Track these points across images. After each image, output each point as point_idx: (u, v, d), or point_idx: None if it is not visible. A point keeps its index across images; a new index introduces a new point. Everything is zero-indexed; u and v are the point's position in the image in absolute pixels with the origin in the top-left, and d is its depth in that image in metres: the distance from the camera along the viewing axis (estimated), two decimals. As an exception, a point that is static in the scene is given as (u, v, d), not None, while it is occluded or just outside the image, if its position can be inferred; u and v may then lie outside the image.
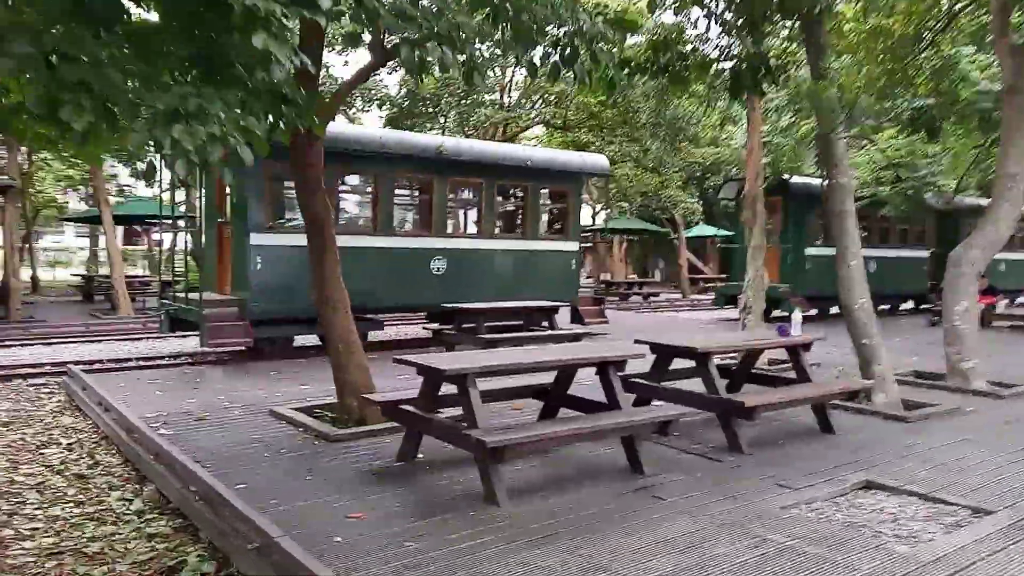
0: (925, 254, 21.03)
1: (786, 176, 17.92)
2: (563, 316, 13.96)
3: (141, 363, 11.24)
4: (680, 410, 5.86)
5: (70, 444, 7.23)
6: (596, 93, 21.22)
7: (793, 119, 13.50)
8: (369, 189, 12.57)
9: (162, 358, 11.77)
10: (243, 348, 11.05)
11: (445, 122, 22.16)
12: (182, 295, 11.68)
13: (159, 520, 5.20)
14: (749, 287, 11.60)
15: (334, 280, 7.26)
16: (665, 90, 12.18)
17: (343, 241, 12.10)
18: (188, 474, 5.31)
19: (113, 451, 6.89)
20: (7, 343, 13.43)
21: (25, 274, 28.73)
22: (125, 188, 28.62)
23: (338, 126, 12.72)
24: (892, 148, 16.30)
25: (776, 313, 19.59)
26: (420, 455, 6.01)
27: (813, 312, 17.96)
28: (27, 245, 28.82)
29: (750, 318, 11.50)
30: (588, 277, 26.97)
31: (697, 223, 29.65)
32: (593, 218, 36.21)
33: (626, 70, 8.55)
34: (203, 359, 11.39)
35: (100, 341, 13.83)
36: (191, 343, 13.15)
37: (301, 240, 10.44)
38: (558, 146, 22.01)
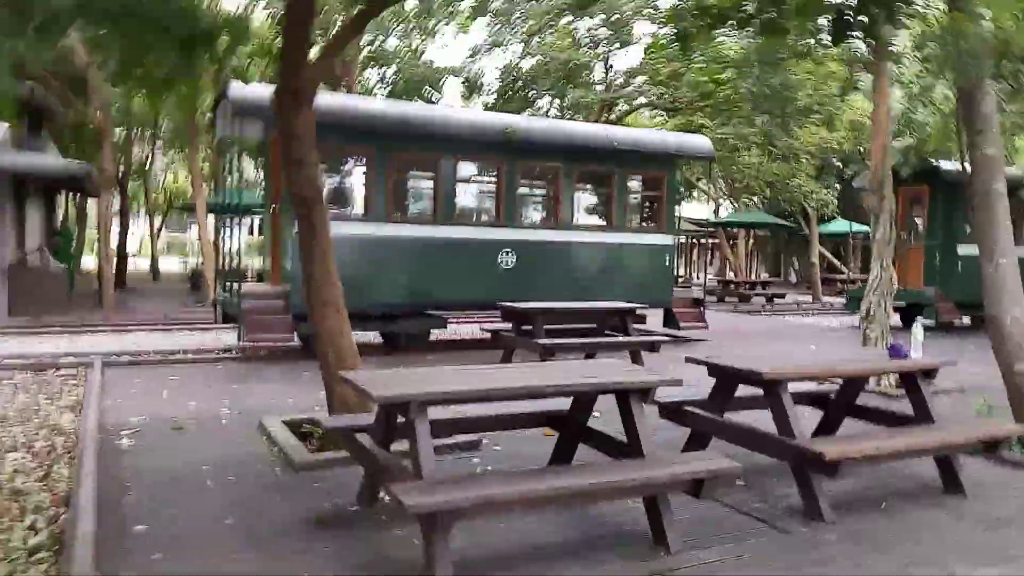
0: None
1: (934, 160, 15.24)
2: (653, 320, 12.26)
3: (184, 356, 10.60)
4: (726, 465, 4.15)
5: (45, 448, 6.45)
6: (709, 72, 19.19)
7: (924, 76, 11.03)
8: (430, 175, 11.42)
9: (210, 351, 11.11)
10: (286, 345, 10.16)
11: (548, 106, 20.79)
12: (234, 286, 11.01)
13: (40, 565, 4.16)
14: (872, 290, 9.52)
15: (325, 273, 6.07)
16: (762, 49, 10.21)
17: (404, 231, 11.36)
18: (73, 511, 4.26)
19: (73, 463, 6.02)
20: (74, 331, 13.31)
21: (145, 264, 30.08)
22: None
23: (397, 104, 11.67)
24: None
25: (921, 322, 16.92)
26: (384, 497, 4.68)
27: (966, 322, 15.28)
28: (149, 235, 30.15)
29: (873, 328, 9.43)
30: (710, 276, 24.76)
31: (832, 217, 26.67)
32: (716, 211, 33.76)
33: (705, 21, 6.85)
34: (254, 355, 10.60)
35: (168, 331, 13.48)
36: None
37: (349, 229, 9.25)
38: (672, 131, 20.10)
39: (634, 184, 12.80)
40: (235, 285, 10.61)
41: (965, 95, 6.22)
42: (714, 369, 5.29)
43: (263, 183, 11.96)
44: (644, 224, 13.19)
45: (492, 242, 11.41)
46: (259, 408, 7.15)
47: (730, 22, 7.09)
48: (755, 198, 26.13)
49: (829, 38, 6.68)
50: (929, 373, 5.35)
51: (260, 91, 9.82)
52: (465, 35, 20.53)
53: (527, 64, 19.37)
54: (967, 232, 15.67)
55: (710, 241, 35.82)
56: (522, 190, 11.82)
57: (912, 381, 5.29)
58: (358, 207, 11.25)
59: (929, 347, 6.03)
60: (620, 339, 9.42)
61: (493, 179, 11.68)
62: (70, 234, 20.80)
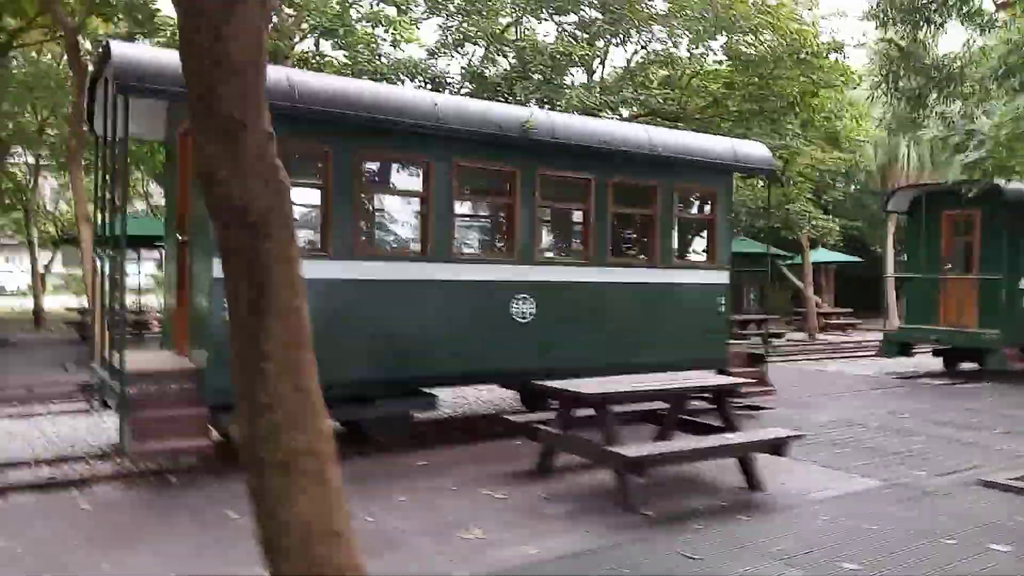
0: None
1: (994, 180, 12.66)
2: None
3: (28, 479, 6.75)
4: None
5: None
6: (720, 74, 16.45)
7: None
8: (416, 187, 7.98)
9: (77, 462, 7.24)
10: (196, 454, 6.43)
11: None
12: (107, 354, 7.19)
13: None
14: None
15: (293, 380, 2.56)
16: None
17: (377, 271, 7.92)
18: None
19: None
20: None
21: (26, 305, 25.27)
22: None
23: (363, 83, 8.20)
24: None
25: (968, 367, 14.33)
26: None
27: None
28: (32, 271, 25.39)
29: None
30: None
31: (823, 245, 24.34)
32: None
33: None
34: (145, 474, 6.80)
35: (27, 417, 9.44)
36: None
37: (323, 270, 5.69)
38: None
39: (681, 203, 9.62)
40: (116, 355, 6.82)
41: None
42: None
43: (165, 200, 8.32)
44: (693, 256, 10.00)
45: (502, 285, 8.01)
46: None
47: None
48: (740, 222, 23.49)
49: None
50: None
51: (163, 54, 6.24)
52: (409, 41, 17.15)
53: (501, 64, 16.11)
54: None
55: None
56: (542, 211, 8.46)
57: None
58: (308, 236, 7.67)
59: None
60: (734, 439, 6.10)
61: (504, 195, 8.31)
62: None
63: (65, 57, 20.05)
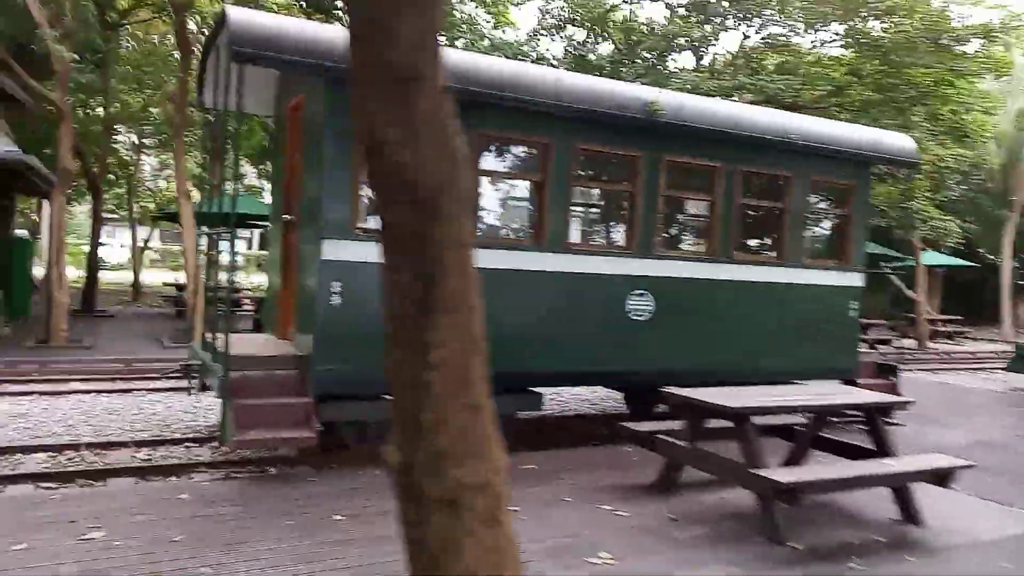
0: None
1: None
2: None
3: (123, 465, 6.58)
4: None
5: None
6: (842, 60, 15.30)
7: None
8: (529, 173, 7.44)
9: (176, 450, 7.04)
10: (301, 445, 6.09)
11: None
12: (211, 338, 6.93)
13: None
14: None
15: (458, 361, 2.05)
16: None
17: (481, 259, 7.23)
18: None
19: None
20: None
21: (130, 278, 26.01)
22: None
23: (473, 56, 7.67)
24: None
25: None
26: None
27: None
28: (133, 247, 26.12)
29: None
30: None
31: (937, 248, 22.70)
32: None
33: None
34: (243, 465, 6.53)
35: (125, 392, 9.40)
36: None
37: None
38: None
39: (813, 197, 8.79)
40: (219, 337, 6.55)
41: None
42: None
43: (272, 178, 7.99)
44: (825, 255, 9.16)
45: (619, 279, 7.41)
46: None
47: None
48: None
49: None
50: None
51: (279, 21, 5.89)
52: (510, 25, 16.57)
53: (605, 49, 15.41)
54: None
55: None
56: (664, 200, 7.79)
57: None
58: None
59: None
60: (894, 466, 5.35)
61: (625, 182, 7.69)
62: (25, 245, 16.77)
63: (171, 37, 20.38)
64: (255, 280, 26.60)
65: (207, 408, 8.49)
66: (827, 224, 9.48)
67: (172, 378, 10.14)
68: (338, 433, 6.41)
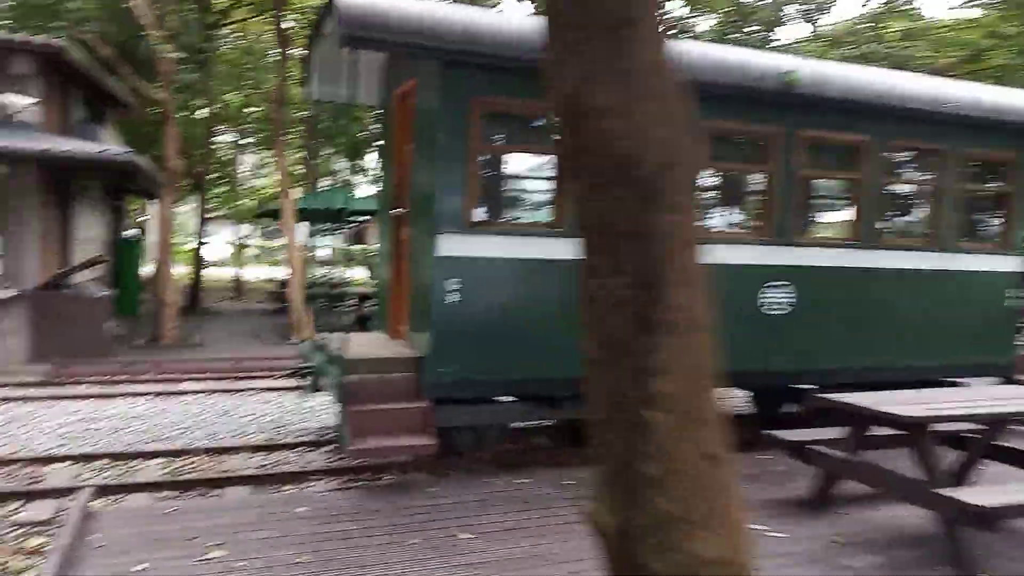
0: None
1: None
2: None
3: (239, 472, 6.39)
4: None
5: None
6: (982, 22, 13.93)
7: None
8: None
9: (289, 457, 6.83)
10: (420, 453, 5.73)
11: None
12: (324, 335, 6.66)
13: None
14: None
15: (688, 394, 1.56)
16: None
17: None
18: None
19: None
20: (101, 393, 9.37)
21: (231, 274, 26.67)
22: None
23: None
24: None
25: None
26: None
27: None
28: (235, 244, 26.76)
29: None
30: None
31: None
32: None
33: None
34: (359, 473, 6.25)
35: (234, 393, 9.34)
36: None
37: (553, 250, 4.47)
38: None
39: (967, 173, 7.86)
40: (330, 337, 6.26)
41: None
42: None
43: (379, 170, 7.67)
44: (979, 239, 8.21)
45: (752, 269, 6.75)
46: None
47: None
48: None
49: None
50: None
51: (388, 2, 5.52)
52: None
53: (706, 25, 14.53)
54: None
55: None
56: (803, 180, 7.07)
57: None
58: (534, 211, 6.80)
59: None
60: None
61: (758, 162, 7.01)
62: (134, 245, 17.26)
63: (269, 36, 20.61)
64: (352, 274, 26.82)
65: (318, 408, 8.30)
66: (982, 203, 8.49)
67: (275, 377, 10.12)
68: (450, 437, 6.04)
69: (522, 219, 6.83)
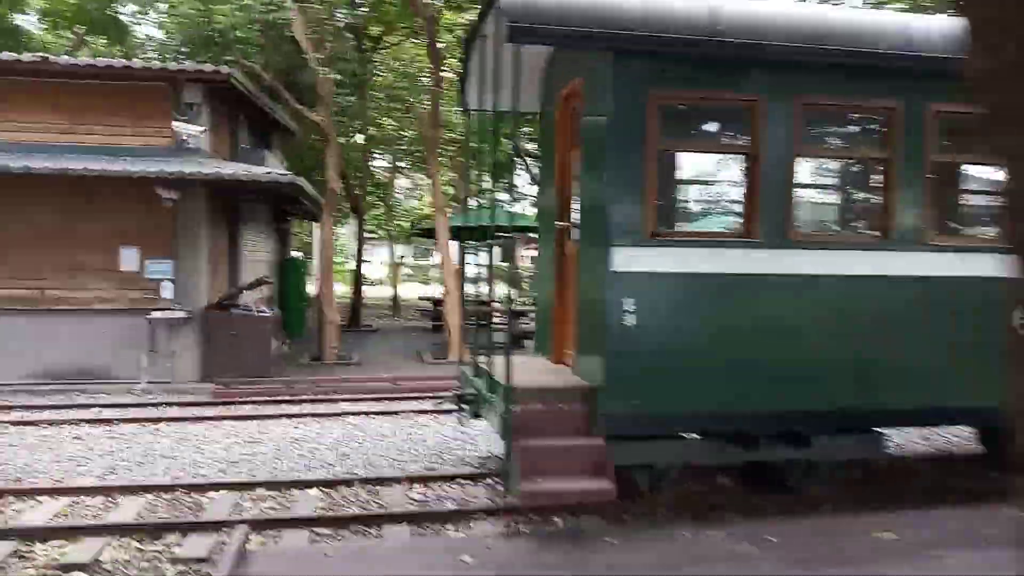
0: None
1: None
2: None
3: (401, 508, 5.95)
4: None
5: None
6: None
7: None
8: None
9: (449, 490, 6.34)
10: (596, 498, 5.04)
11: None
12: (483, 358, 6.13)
13: None
14: None
15: None
16: None
17: (796, 263, 5.08)
18: None
19: None
20: (264, 414, 9.39)
21: (387, 292, 27.29)
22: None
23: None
24: None
25: None
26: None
27: None
28: (390, 264, 27.37)
29: None
30: None
31: None
32: None
33: None
34: (527, 514, 5.65)
35: (393, 415, 9.06)
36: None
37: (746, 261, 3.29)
38: None
39: None
40: (490, 362, 5.70)
41: None
42: None
43: (540, 178, 7.11)
44: None
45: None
46: None
47: None
48: None
49: None
50: None
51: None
52: None
53: None
54: None
55: None
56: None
57: None
58: (722, 219, 5.97)
59: None
60: None
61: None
62: (299, 266, 17.80)
63: (421, 60, 20.90)
64: (500, 292, 26.66)
65: (476, 435, 7.84)
66: None
67: (433, 398, 9.80)
68: (624, 475, 5.32)
69: (708, 228, 6.02)
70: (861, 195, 6.98)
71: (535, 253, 17.38)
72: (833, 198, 6.89)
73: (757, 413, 5.18)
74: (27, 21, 18.67)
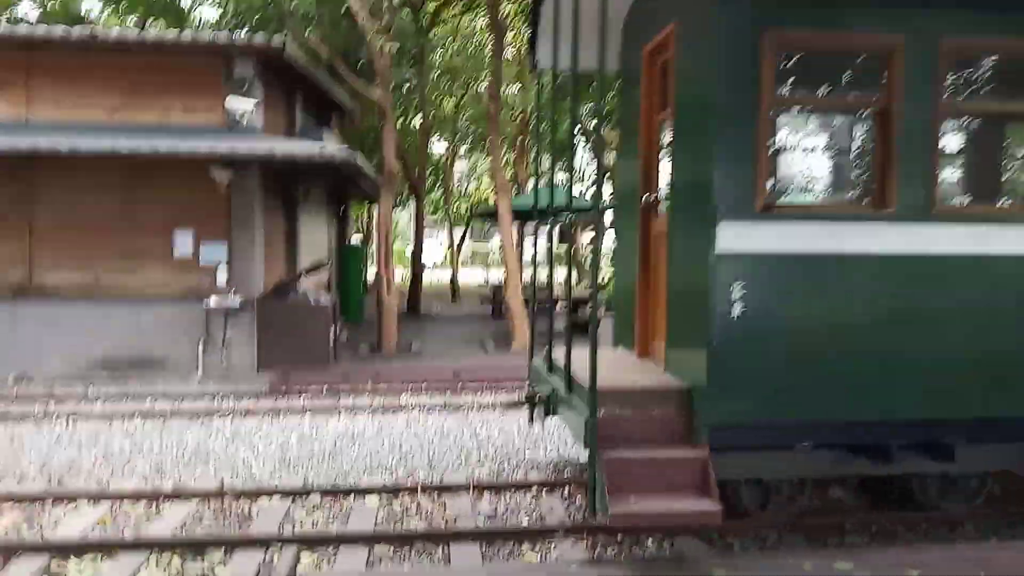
0: None
1: None
2: None
3: (471, 526, 5.31)
4: None
5: None
6: None
7: None
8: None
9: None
10: (698, 521, 4.28)
11: None
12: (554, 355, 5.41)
13: None
14: None
15: None
16: None
17: (942, 240, 4.24)
18: None
19: None
20: (322, 407, 8.89)
21: (446, 276, 26.77)
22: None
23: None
24: None
25: None
26: None
27: None
28: (449, 247, 26.81)
29: None
30: None
31: None
32: None
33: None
34: (614, 539, 4.94)
35: (456, 411, 8.43)
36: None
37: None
38: None
39: None
40: (561, 356, 4.96)
41: None
42: None
43: (619, 148, 6.31)
44: None
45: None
46: None
47: None
48: None
49: None
50: None
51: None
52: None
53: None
54: None
55: None
56: None
57: None
58: (851, 190, 5.09)
59: None
60: None
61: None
62: (358, 250, 17.34)
63: (480, 34, 20.16)
64: (561, 277, 25.90)
65: (546, 434, 7.15)
66: None
67: (496, 390, 9.16)
68: (728, 489, 4.56)
69: (832, 199, 5.14)
70: None
71: (590, 235, 16.53)
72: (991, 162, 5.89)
73: (898, 422, 4.35)
74: (93, 8, 18.76)
